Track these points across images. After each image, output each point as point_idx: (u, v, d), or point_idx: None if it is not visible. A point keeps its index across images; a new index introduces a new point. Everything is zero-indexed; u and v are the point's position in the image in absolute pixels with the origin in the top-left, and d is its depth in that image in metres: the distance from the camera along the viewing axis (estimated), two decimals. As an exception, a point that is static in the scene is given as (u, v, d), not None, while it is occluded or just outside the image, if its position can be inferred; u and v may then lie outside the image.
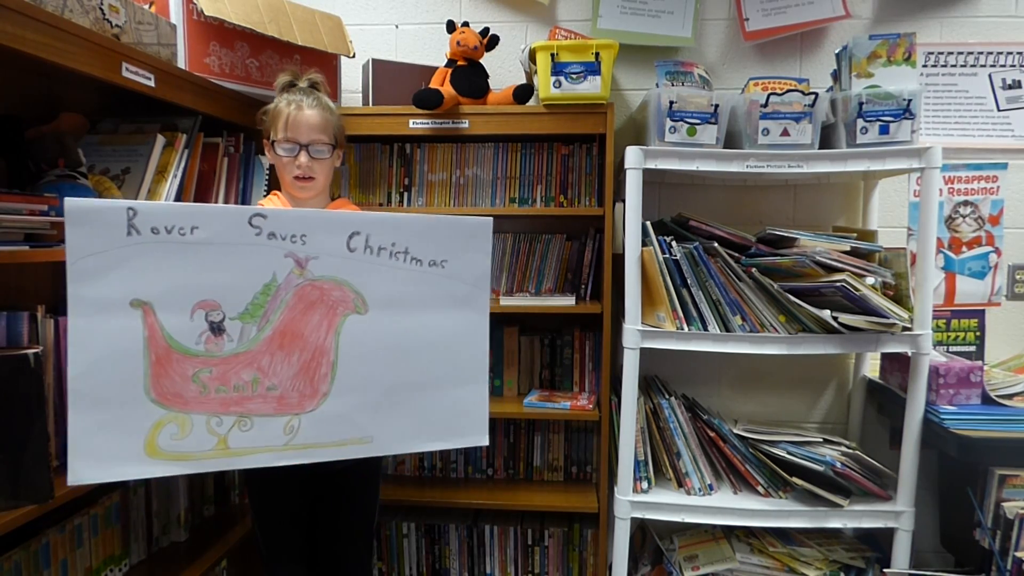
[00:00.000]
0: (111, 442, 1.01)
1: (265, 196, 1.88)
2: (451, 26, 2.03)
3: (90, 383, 0.99)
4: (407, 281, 1.17)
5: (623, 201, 1.85)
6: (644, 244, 1.81)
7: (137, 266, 1.00)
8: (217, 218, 1.05)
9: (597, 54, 1.88)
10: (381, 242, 1.15)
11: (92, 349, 0.99)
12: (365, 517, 1.68)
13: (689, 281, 1.79)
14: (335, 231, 1.12)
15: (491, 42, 2.05)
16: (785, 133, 1.78)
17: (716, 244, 1.79)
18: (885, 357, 2.05)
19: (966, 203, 2.13)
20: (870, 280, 1.74)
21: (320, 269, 1.11)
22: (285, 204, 1.59)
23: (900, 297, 1.80)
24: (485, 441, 1.26)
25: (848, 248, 1.79)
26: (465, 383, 1.23)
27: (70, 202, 0.96)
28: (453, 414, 1.23)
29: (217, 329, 1.07)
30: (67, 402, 0.99)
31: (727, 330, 1.80)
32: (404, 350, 1.19)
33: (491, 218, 1.22)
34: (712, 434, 1.93)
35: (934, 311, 1.87)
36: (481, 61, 2.05)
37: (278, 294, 1.10)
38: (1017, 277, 2.15)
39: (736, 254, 1.80)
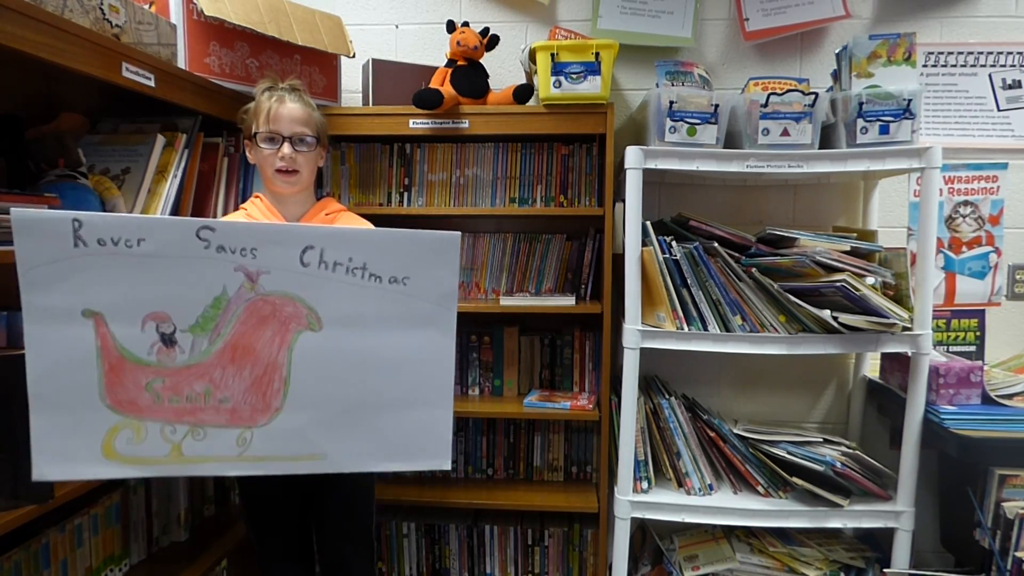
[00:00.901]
0: (70, 443, 1.05)
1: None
2: (451, 26, 2.03)
3: (47, 387, 1.02)
4: (364, 298, 1.14)
5: (623, 201, 1.85)
6: (644, 244, 1.81)
7: (86, 277, 1.02)
8: (163, 230, 1.05)
9: (597, 54, 1.88)
10: (337, 257, 1.12)
11: (47, 356, 1.01)
12: (362, 520, 1.66)
13: (689, 281, 1.79)
14: (287, 245, 1.09)
15: (491, 42, 2.05)
16: (785, 133, 1.78)
17: (716, 244, 1.79)
18: (885, 357, 2.05)
19: (966, 203, 2.13)
20: (870, 280, 1.74)
21: (271, 284, 1.10)
22: (268, 206, 1.56)
23: (900, 297, 1.80)
24: (447, 464, 1.22)
25: (848, 248, 1.79)
26: (427, 406, 1.19)
27: (16, 212, 0.97)
28: (413, 436, 1.20)
29: (168, 341, 1.08)
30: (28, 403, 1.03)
31: (727, 330, 1.80)
32: (361, 369, 1.16)
33: (458, 233, 1.17)
34: (712, 434, 1.93)
35: (934, 311, 1.88)
36: (481, 61, 2.05)
37: (229, 308, 1.09)
38: (1017, 277, 2.15)
39: (736, 254, 1.80)
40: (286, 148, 1.49)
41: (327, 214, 1.61)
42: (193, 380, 1.10)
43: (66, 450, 1.04)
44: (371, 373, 1.17)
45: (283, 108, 1.50)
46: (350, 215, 1.65)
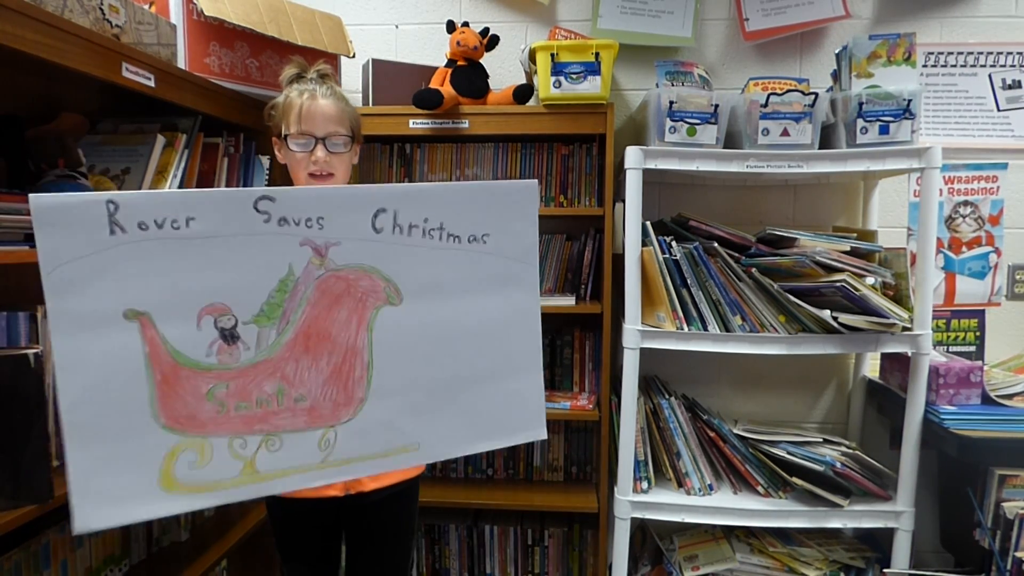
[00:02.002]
0: (120, 479, 0.87)
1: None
2: (451, 26, 2.03)
3: (86, 413, 0.85)
4: (445, 262, 1.01)
5: (623, 201, 1.85)
6: (644, 244, 1.81)
7: (127, 270, 0.86)
8: (216, 205, 0.89)
9: (597, 54, 1.88)
10: (411, 219, 0.98)
11: (84, 373, 0.85)
12: (400, 553, 1.52)
13: (689, 281, 1.79)
14: (357, 210, 0.96)
15: (491, 42, 2.05)
16: (785, 133, 1.78)
17: (716, 244, 1.79)
18: (885, 357, 2.05)
19: (966, 203, 2.13)
20: (870, 280, 1.74)
21: (343, 257, 0.96)
22: None
23: (900, 297, 1.80)
24: (543, 434, 1.11)
25: (848, 248, 1.79)
26: (518, 373, 1.08)
27: (37, 200, 0.80)
28: (507, 408, 1.09)
29: (230, 337, 0.93)
30: (62, 436, 0.85)
31: (727, 330, 1.80)
32: (447, 342, 1.03)
33: (535, 180, 1.09)
34: (712, 434, 1.93)
35: (934, 311, 1.88)
36: (481, 61, 2.05)
37: (297, 290, 0.95)
38: (1017, 277, 2.15)
39: (736, 254, 1.80)
40: (319, 151, 1.36)
41: None
42: (262, 380, 0.94)
43: (115, 489, 0.87)
44: (458, 345, 1.04)
45: (316, 106, 1.36)
46: None
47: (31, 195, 0.82)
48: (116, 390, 0.87)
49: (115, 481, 0.87)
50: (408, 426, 1.02)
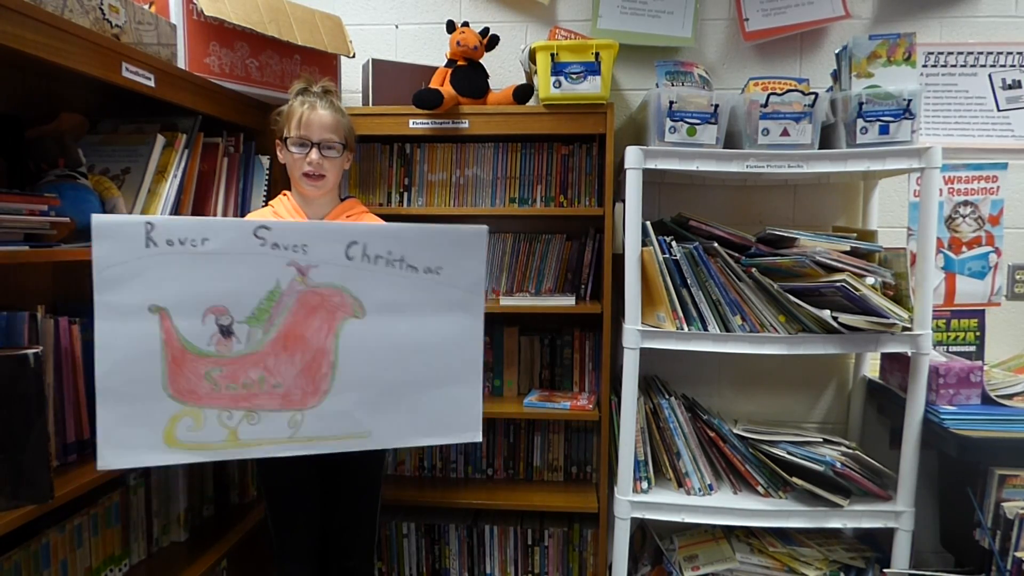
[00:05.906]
0: (134, 433, 1.12)
1: (265, 199, 1.89)
2: (451, 26, 2.03)
3: (115, 380, 1.09)
4: (403, 287, 1.25)
5: (623, 201, 1.85)
6: (644, 244, 1.81)
7: (154, 275, 1.10)
8: (225, 230, 1.15)
9: (597, 54, 1.88)
10: (378, 251, 1.22)
11: (116, 350, 1.09)
12: (369, 505, 1.74)
13: (689, 281, 1.79)
14: (334, 241, 1.20)
15: (491, 42, 2.05)
16: (785, 133, 1.78)
17: (716, 244, 1.79)
18: (885, 357, 2.05)
19: (966, 203, 2.13)
20: (870, 280, 1.74)
21: (320, 277, 1.20)
22: (294, 206, 1.62)
23: (900, 297, 1.80)
24: (478, 437, 1.34)
25: (848, 248, 1.79)
26: (459, 383, 1.31)
27: (96, 218, 1.06)
28: (447, 411, 1.31)
29: (226, 332, 1.16)
30: (95, 396, 1.10)
31: (727, 330, 1.80)
32: (400, 352, 1.26)
33: (486, 227, 1.28)
34: (712, 434, 1.93)
35: (934, 311, 1.88)
36: (481, 61, 2.05)
37: (282, 300, 1.18)
38: (1017, 277, 2.15)
39: (736, 254, 1.80)
40: (314, 154, 1.55)
41: (348, 216, 1.66)
42: (249, 368, 1.18)
43: (130, 440, 1.12)
44: (409, 355, 1.27)
45: (314, 115, 1.56)
46: (371, 217, 1.71)
47: (93, 214, 1.06)
48: (138, 365, 1.11)
49: (131, 433, 1.12)
50: (362, 416, 1.26)
